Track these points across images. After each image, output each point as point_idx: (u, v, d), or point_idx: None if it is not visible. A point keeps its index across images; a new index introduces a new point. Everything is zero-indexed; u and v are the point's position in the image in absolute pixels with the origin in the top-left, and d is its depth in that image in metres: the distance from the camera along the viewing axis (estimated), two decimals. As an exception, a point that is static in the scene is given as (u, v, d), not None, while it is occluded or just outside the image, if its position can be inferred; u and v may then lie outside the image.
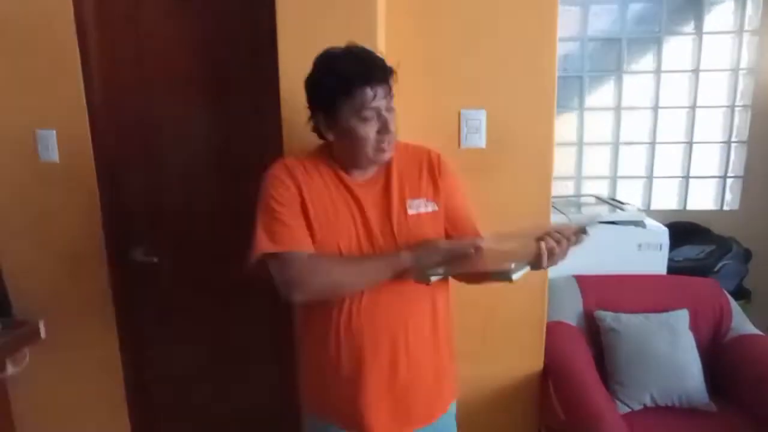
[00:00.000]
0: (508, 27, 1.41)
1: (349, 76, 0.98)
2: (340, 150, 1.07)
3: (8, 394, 1.79)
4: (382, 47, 1.35)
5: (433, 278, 1.01)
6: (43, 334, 1.71)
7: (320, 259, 1.02)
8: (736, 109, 2.58)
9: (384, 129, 1.01)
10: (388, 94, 1.01)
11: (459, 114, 1.45)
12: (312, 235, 1.03)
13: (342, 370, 1.08)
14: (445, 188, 1.13)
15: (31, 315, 1.71)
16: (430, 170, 1.13)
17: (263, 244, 1.02)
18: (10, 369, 1.70)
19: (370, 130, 1.01)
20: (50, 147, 1.60)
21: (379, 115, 1.01)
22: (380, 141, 1.02)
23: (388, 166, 1.10)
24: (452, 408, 1.22)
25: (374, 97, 0.99)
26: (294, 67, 1.36)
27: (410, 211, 1.08)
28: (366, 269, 1.04)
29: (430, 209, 1.10)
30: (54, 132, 1.59)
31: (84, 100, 1.56)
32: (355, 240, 1.05)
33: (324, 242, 1.04)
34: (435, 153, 1.15)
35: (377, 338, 1.06)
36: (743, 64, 2.53)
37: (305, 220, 1.04)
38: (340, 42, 1.32)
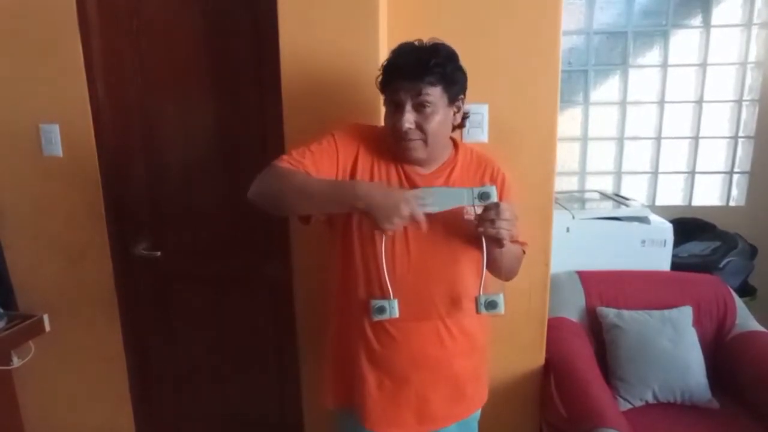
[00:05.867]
0: (512, 20, 1.39)
1: (386, 68, 1.05)
2: None
3: (14, 386, 1.81)
4: (383, 42, 1.35)
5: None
6: (47, 328, 1.73)
7: (289, 170, 1.03)
8: (744, 103, 2.55)
9: (397, 123, 1.03)
10: (418, 92, 1.01)
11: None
12: None
13: (355, 365, 1.12)
14: None
15: (36, 308, 1.73)
16: (491, 183, 1.13)
17: (286, 157, 1.07)
18: (16, 361, 1.72)
19: (391, 119, 1.05)
20: (54, 141, 1.61)
21: (401, 108, 1.03)
22: (396, 133, 1.04)
23: (452, 167, 1.12)
24: (476, 413, 1.23)
25: (401, 89, 1.02)
26: (295, 61, 1.36)
27: (466, 216, 1.07)
28: (312, 187, 1.02)
29: None
30: (57, 126, 1.60)
31: (87, 95, 1.56)
32: (402, 229, 1.03)
33: None
34: (501, 172, 1.17)
35: (393, 339, 1.08)
36: (751, 57, 2.50)
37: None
38: (341, 37, 1.32)
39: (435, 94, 1.02)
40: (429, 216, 1.02)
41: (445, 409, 1.14)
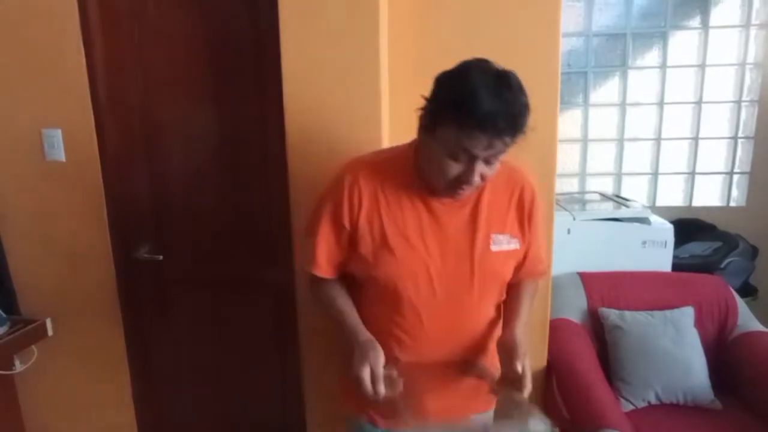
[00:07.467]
0: (511, 23, 1.40)
1: (467, 110, 0.84)
2: (421, 158, 0.99)
3: (17, 391, 1.81)
4: (383, 44, 1.35)
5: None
6: (50, 332, 1.73)
7: (317, 295, 1.12)
8: (743, 104, 2.55)
9: (465, 176, 0.90)
10: (500, 149, 0.88)
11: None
12: (387, 254, 1.00)
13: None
14: (530, 228, 1.06)
15: (38, 313, 1.73)
16: (520, 206, 1.05)
17: (308, 263, 1.09)
18: (18, 366, 1.72)
19: (452, 169, 0.91)
20: (56, 146, 1.61)
21: (470, 162, 0.89)
22: (457, 185, 0.93)
23: (480, 191, 1.01)
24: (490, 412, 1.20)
25: (478, 144, 0.86)
26: (296, 65, 1.36)
27: (493, 248, 1.01)
28: (333, 317, 1.09)
29: (512, 247, 1.03)
30: (59, 131, 1.60)
31: (89, 99, 1.56)
32: (425, 269, 0.99)
33: (404, 261, 0.99)
34: (530, 188, 1.06)
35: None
36: (750, 58, 2.51)
37: (369, 237, 1.01)
38: (341, 42, 1.33)
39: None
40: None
41: (461, 403, 1.10)
